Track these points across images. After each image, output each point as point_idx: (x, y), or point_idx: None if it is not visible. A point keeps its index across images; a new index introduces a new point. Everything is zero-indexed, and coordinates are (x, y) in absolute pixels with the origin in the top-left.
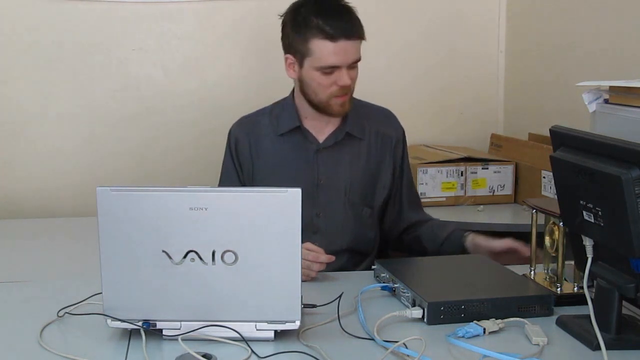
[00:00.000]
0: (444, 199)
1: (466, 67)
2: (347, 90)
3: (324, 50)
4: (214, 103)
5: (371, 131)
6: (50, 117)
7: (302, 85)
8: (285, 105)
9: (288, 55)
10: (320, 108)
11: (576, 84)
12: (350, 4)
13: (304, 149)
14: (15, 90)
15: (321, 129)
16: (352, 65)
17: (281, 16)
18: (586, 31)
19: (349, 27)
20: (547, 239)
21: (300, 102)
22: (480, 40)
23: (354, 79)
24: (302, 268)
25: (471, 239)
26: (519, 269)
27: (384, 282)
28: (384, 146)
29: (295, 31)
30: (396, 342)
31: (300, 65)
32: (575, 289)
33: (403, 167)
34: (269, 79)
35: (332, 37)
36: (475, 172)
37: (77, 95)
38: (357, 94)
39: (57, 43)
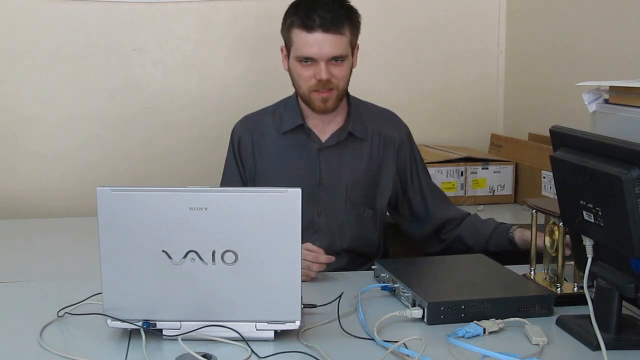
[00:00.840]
0: None
1: (466, 67)
2: (328, 85)
3: (300, 39)
4: (214, 103)
5: (374, 132)
6: (50, 117)
7: (290, 77)
8: (289, 104)
9: (282, 47)
10: (305, 102)
11: (576, 84)
12: (348, 2)
13: (306, 148)
14: (16, 90)
15: (324, 128)
16: (335, 61)
17: None
18: (586, 31)
19: (327, 20)
20: (547, 239)
21: (302, 100)
22: (480, 40)
23: (337, 76)
24: (301, 268)
25: (520, 234)
26: (519, 269)
27: (384, 282)
28: (386, 148)
29: (284, 21)
30: (396, 342)
31: (288, 56)
32: (575, 289)
33: (416, 166)
34: (268, 78)
35: (308, 28)
36: (475, 172)
37: (77, 95)
38: (356, 94)
39: (57, 43)
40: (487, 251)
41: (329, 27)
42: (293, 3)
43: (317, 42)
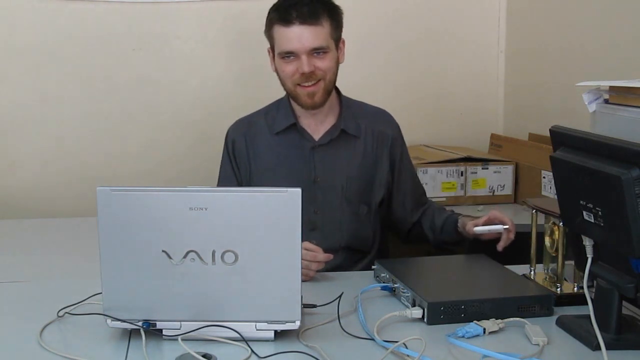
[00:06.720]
0: (444, 199)
1: (466, 67)
2: (312, 78)
3: (281, 35)
4: (214, 103)
5: (367, 129)
6: (50, 117)
7: (278, 77)
8: (281, 105)
9: (268, 48)
10: (294, 99)
11: (576, 84)
12: None
13: (299, 147)
14: (15, 90)
15: (316, 127)
16: (317, 54)
17: None
18: (586, 31)
19: (304, 13)
20: (547, 239)
21: (291, 98)
22: (480, 40)
23: (322, 68)
24: None
25: (462, 223)
26: (519, 269)
27: (384, 282)
28: (380, 144)
29: (266, 22)
30: (396, 342)
31: (273, 56)
32: (575, 289)
33: (404, 163)
34: (268, 78)
35: (286, 22)
36: (475, 172)
37: (77, 95)
38: (357, 94)
39: (57, 43)
40: (441, 241)
41: (306, 19)
42: (273, 5)
43: (296, 35)
